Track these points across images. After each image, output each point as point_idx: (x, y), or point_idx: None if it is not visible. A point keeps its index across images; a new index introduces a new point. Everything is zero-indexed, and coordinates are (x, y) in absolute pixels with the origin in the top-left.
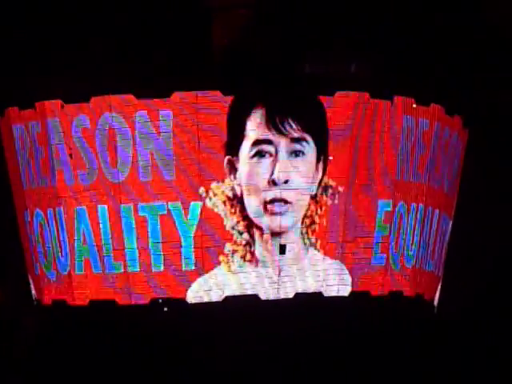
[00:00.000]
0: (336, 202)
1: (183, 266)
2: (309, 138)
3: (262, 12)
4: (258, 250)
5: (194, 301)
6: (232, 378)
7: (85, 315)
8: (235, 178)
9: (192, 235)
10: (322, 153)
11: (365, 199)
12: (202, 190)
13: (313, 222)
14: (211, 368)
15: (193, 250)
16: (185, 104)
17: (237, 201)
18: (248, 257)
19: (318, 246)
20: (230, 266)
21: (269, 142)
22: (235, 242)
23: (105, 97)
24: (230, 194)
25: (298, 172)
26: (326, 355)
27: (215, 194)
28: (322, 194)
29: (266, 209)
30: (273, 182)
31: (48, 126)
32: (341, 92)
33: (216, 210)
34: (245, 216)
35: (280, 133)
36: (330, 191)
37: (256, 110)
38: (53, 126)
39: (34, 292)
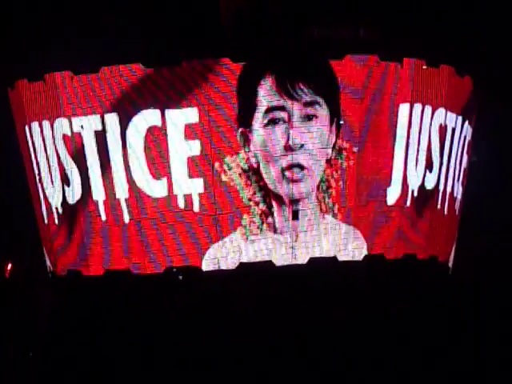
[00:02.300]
0: (351, 163)
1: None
2: (321, 101)
3: None
4: (275, 218)
5: (208, 268)
6: (246, 344)
7: (100, 285)
8: (249, 149)
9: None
10: (334, 115)
11: (377, 162)
12: (218, 163)
13: (329, 187)
14: (226, 334)
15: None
16: (195, 72)
17: (252, 172)
18: (265, 225)
19: (336, 211)
20: (246, 235)
21: (281, 108)
22: (252, 213)
23: (113, 67)
24: (245, 167)
25: (313, 135)
26: (340, 318)
27: (230, 168)
28: (336, 158)
29: (283, 176)
30: (289, 148)
31: None
32: (350, 55)
33: (232, 183)
34: (261, 186)
35: (292, 98)
36: (345, 153)
37: (266, 78)
38: None
39: (48, 264)
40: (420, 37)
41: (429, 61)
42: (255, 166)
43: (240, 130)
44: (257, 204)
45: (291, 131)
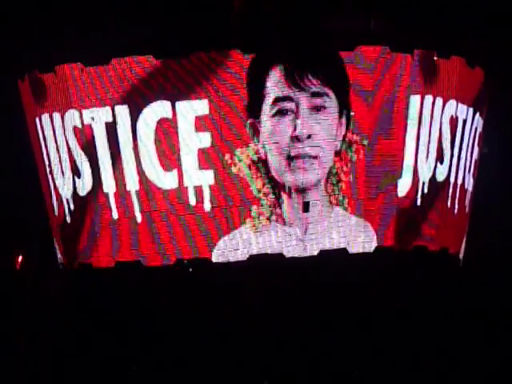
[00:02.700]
0: (361, 156)
1: (207, 224)
2: (330, 92)
3: None
4: (285, 210)
5: (218, 260)
6: (256, 336)
7: (111, 277)
8: (258, 140)
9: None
10: (344, 107)
11: (387, 154)
12: (228, 155)
13: (339, 180)
14: (236, 326)
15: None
16: (205, 63)
17: (262, 164)
18: (274, 217)
19: (346, 204)
20: (256, 227)
21: (289, 98)
22: (261, 204)
23: (124, 59)
24: (255, 158)
25: (321, 126)
26: (351, 310)
27: (240, 160)
28: (346, 150)
29: (289, 165)
30: (296, 138)
31: None
32: (361, 46)
33: (241, 175)
34: (270, 177)
35: (300, 88)
36: (355, 147)
37: (274, 68)
38: None
39: (59, 256)
40: (431, 28)
41: (439, 52)
42: (264, 157)
43: (249, 121)
44: (266, 195)
45: (298, 121)
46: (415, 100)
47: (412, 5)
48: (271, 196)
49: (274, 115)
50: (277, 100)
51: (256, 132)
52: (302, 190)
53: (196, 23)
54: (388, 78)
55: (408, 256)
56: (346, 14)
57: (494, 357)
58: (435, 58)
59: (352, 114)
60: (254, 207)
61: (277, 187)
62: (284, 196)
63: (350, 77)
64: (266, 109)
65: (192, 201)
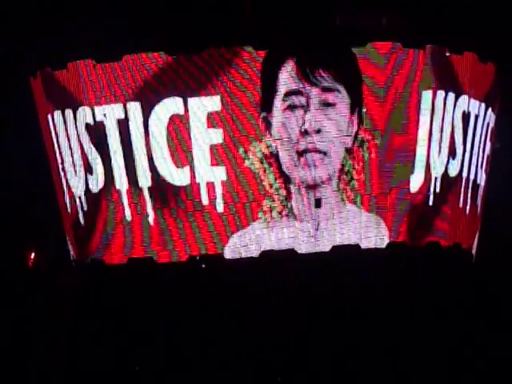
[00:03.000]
0: (373, 155)
1: (220, 220)
2: (341, 88)
3: None
4: (296, 205)
5: (231, 256)
6: (269, 331)
7: (123, 274)
8: (271, 134)
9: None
10: (356, 104)
11: (400, 150)
12: (241, 150)
13: (352, 178)
14: (249, 322)
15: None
16: (217, 60)
17: (274, 158)
18: (285, 212)
19: (358, 201)
20: (268, 222)
21: (300, 92)
22: (273, 199)
23: (136, 55)
24: (267, 152)
25: (331, 122)
26: (363, 306)
27: (254, 154)
28: (358, 148)
29: (299, 161)
30: (305, 132)
31: None
32: (373, 42)
33: (254, 169)
34: (282, 172)
35: (311, 83)
36: (367, 145)
37: (287, 63)
38: None
39: (72, 253)
40: (443, 24)
41: (452, 48)
42: (276, 151)
43: (262, 115)
44: (278, 190)
45: (308, 116)
46: (427, 95)
47: (424, 1)
48: (283, 191)
49: (285, 109)
50: (288, 94)
51: (269, 126)
52: (313, 186)
53: (208, 19)
54: (400, 73)
55: (420, 251)
56: (359, 10)
57: (505, 348)
58: (447, 54)
59: (364, 110)
60: (266, 202)
61: (288, 182)
62: (295, 191)
63: (362, 72)
64: (278, 103)
65: (204, 197)
